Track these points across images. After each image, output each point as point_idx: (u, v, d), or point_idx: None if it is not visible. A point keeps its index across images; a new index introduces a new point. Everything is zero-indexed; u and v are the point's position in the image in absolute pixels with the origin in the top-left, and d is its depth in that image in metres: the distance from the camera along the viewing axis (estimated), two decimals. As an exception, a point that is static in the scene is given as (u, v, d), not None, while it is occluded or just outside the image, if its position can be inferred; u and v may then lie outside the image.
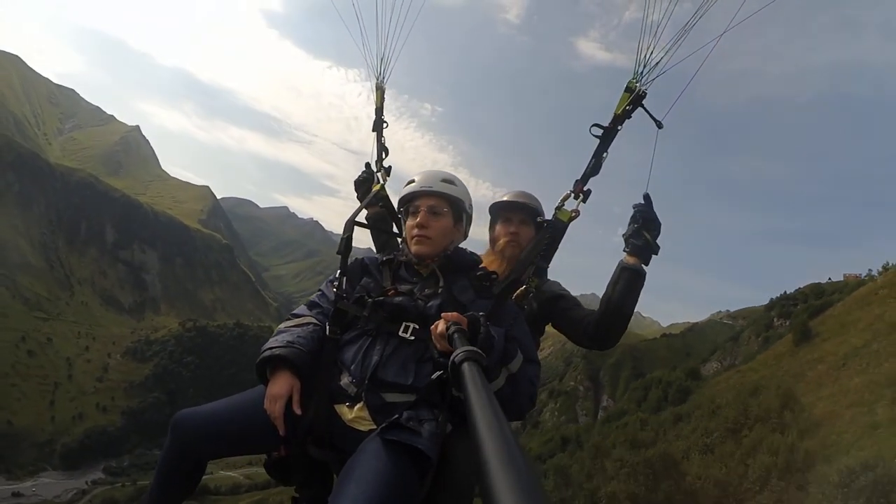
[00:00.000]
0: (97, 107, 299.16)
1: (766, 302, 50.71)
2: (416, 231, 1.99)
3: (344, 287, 1.96)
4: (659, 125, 2.15)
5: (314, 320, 1.95)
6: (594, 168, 2.22)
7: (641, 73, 2.11)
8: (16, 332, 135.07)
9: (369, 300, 1.88)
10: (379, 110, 2.87)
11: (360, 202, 2.55)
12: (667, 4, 2.01)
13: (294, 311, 2.07)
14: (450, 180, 2.07)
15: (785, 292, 47.08)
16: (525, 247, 2.39)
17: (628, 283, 2.13)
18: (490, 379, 1.59)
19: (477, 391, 0.89)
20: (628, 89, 2.14)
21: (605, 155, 2.21)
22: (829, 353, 18.05)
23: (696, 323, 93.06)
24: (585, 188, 2.21)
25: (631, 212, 2.16)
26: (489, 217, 2.66)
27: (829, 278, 46.53)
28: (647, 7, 2.01)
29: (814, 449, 10.07)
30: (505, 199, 2.63)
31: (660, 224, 2.14)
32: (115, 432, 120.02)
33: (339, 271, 2.05)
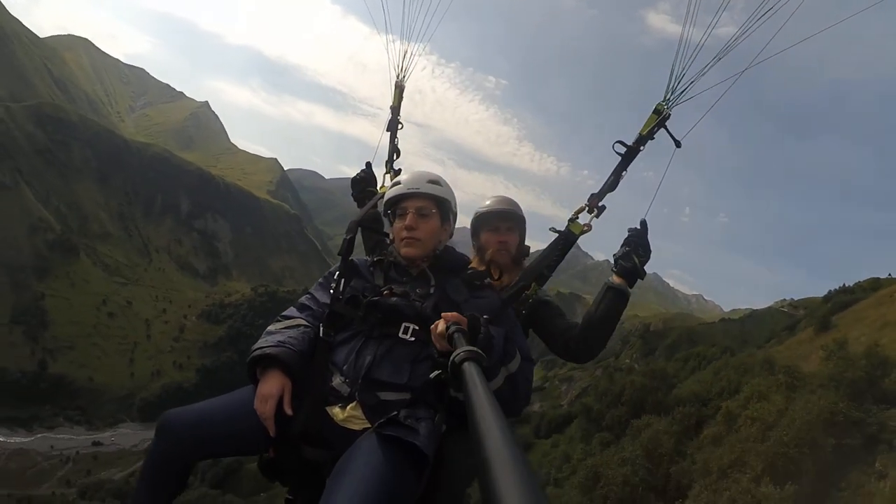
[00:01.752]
0: (167, 84, 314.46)
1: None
2: (404, 233, 2.00)
3: (341, 289, 1.97)
4: (678, 144, 2.23)
5: (304, 322, 1.94)
6: (612, 185, 2.27)
7: (671, 98, 2.19)
8: (97, 296, 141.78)
9: (364, 300, 1.89)
10: (395, 109, 2.85)
11: (356, 200, 2.73)
12: (703, 32, 2.08)
13: (283, 314, 2.05)
14: (436, 181, 2.09)
15: (844, 284, 47.36)
16: (513, 254, 2.49)
17: (611, 302, 2.22)
18: (489, 378, 1.56)
19: (477, 391, 0.89)
20: (657, 111, 2.20)
21: (624, 173, 2.27)
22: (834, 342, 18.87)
23: (756, 310, 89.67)
24: (600, 203, 2.28)
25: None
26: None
27: (889, 273, 44.94)
28: (683, 33, 2.08)
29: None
30: (490, 206, 2.61)
31: (650, 251, 2.25)
32: (190, 388, 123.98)
33: (336, 272, 2.05)
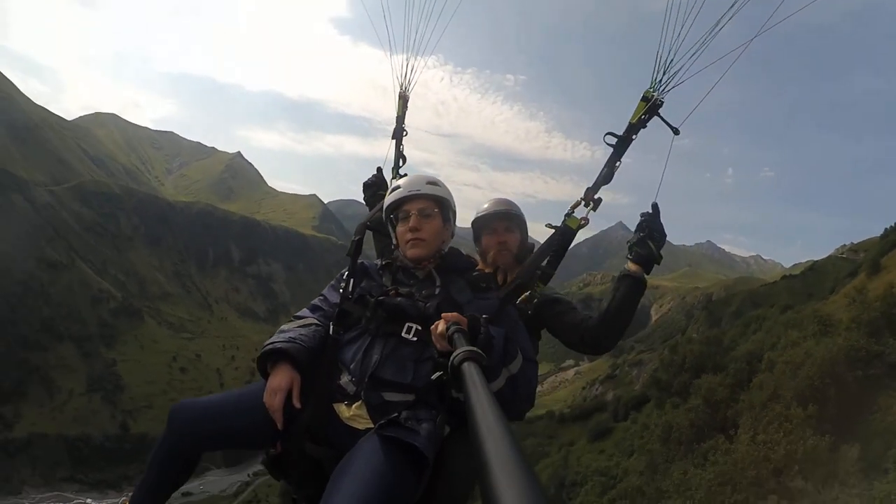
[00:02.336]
0: (197, 142, 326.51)
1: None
2: (409, 235, 2.05)
3: (350, 289, 2.04)
4: (675, 132, 2.20)
5: (316, 321, 2.01)
6: (606, 177, 2.26)
7: (660, 81, 2.15)
8: (167, 354, 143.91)
9: (371, 300, 1.94)
10: (400, 119, 2.96)
11: (368, 204, 2.82)
12: (687, 14, 2.01)
13: (296, 314, 2.13)
14: (434, 182, 2.14)
15: None
16: (515, 253, 2.55)
17: (628, 290, 2.22)
18: (490, 379, 1.61)
19: (477, 391, 0.88)
20: (645, 98, 2.18)
21: (618, 164, 2.26)
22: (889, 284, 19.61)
23: (817, 261, 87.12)
24: (596, 196, 2.27)
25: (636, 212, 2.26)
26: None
27: None
28: (667, 15, 2.02)
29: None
30: (486, 209, 2.66)
31: (664, 235, 2.24)
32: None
33: (345, 272, 2.12)
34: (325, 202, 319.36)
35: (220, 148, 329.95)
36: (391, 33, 2.79)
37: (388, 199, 2.14)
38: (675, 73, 2.08)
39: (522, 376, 1.82)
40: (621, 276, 2.24)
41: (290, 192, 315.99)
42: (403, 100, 2.97)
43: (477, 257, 2.57)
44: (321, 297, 2.16)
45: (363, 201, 2.89)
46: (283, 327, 1.99)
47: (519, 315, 2.14)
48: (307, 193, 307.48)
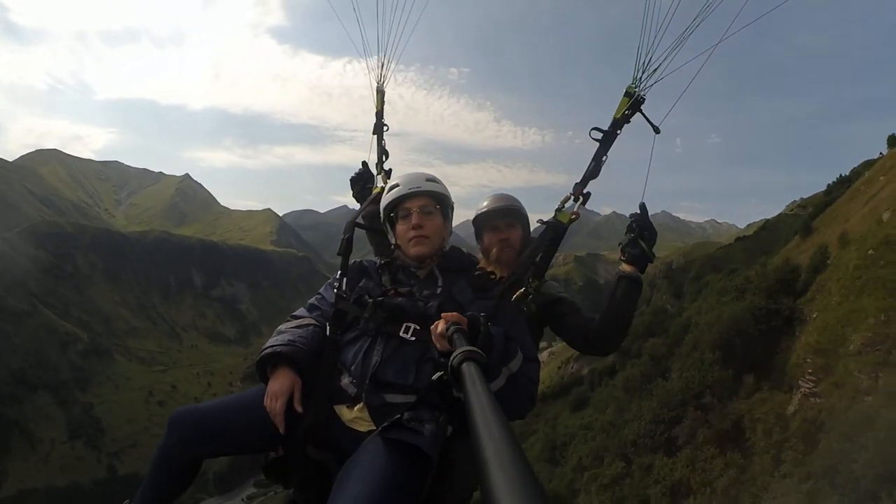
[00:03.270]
0: (144, 168, 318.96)
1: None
2: (412, 233, 2.03)
3: (344, 288, 2.02)
4: (656, 130, 2.23)
5: (314, 321, 2.00)
6: (594, 171, 2.28)
7: (640, 77, 2.16)
8: (142, 390, 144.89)
9: (369, 301, 1.93)
10: (379, 114, 2.88)
11: (357, 200, 2.80)
12: (667, 8, 2.03)
13: (293, 313, 2.11)
14: (433, 179, 2.13)
15: (841, 175, 47.05)
16: (518, 249, 2.53)
17: (626, 291, 2.26)
18: (490, 379, 1.60)
19: (477, 391, 0.88)
20: (627, 94, 2.19)
21: (604, 158, 2.27)
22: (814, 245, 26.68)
23: (770, 219, 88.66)
24: (585, 191, 2.29)
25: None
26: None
27: (881, 153, 42.28)
28: (646, 10, 2.04)
29: None
30: (486, 206, 2.65)
31: (655, 233, 2.29)
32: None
33: (339, 272, 2.10)
34: (281, 215, 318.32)
35: (167, 172, 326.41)
36: (362, 25, 2.68)
37: (387, 197, 2.12)
38: (655, 70, 2.12)
39: (523, 375, 1.81)
40: (618, 278, 2.29)
41: (245, 209, 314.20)
42: (380, 94, 2.90)
43: (479, 255, 2.58)
44: (319, 296, 2.17)
45: (353, 197, 2.84)
46: (280, 328, 1.99)
47: (519, 313, 2.14)
48: (262, 209, 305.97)
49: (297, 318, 2.06)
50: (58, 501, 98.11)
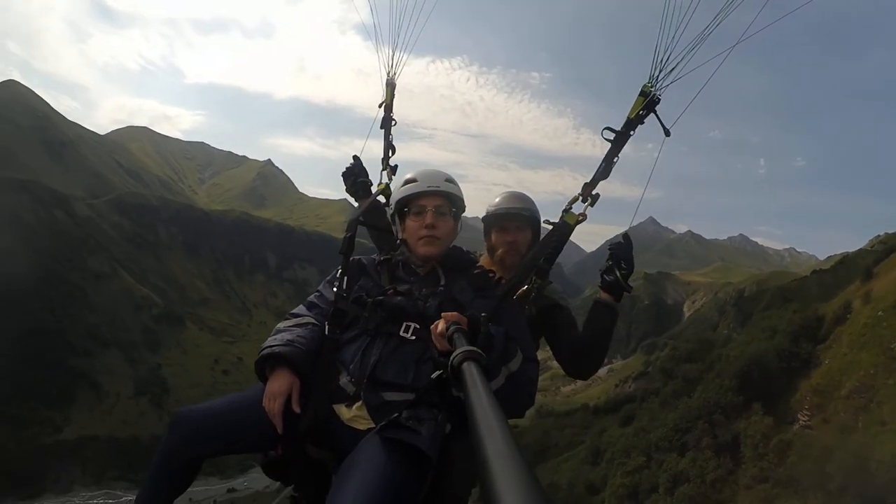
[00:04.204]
0: (228, 151, 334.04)
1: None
2: (424, 231, 2.02)
3: (344, 287, 2.02)
4: (667, 133, 2.20)
5: (313, 320, 2.01)
6: (604, 172, 2.27)
7: (657, 77, 2.14)
8: (209, 358, 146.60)
9: (368, 300, 1.94)
10: (388, 107, 2.87)
11: (350, 194, 2.89)
12: (685, 9, 2.00)
13: (293, 311, 2.13)
14: (451, 180, 2.12)
15: None
16: (524, 253, 2.49)
17: (600, 317, 2.28)
18: (490, 378, 1.60)
19: (477, 391, 0.89)
20: (643, 93, 2.17)
21: (616, 159, 2.27)
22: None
23: (848, 254, 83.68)
24: (594, 192, 2.28)
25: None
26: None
27: None
28: (664, 11, 2.01)
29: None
30: (498, 205, 2.64)
31: (632, 264, 2.30)
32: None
33: (339, 270, 2.09)
34: (356, 206, 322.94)
35: (250, 156, 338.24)
36: (377, 17, 2.69)
37: (403, 190, 2.09)
38: (671, 70, 2.06)
39: (522, 375, 1.80)
40: (593, 304, 2.29)
41: (322, 197, 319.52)
42: (391, 87, 2.85)
43: (484, 251, 2.61)
44: (317, 294, 2.13)
45: (346, 192, 2.86)
46: (279, 326, 1.97)
47: (520, 313, 2.11)
48: (338, 198, 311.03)
49: (296, 315, 2.07)
50: (115, 450, 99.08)
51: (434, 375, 1.60)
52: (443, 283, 2.00)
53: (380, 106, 2.89)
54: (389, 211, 2.23)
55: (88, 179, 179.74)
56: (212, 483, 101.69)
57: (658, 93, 2.12)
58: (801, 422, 21.20)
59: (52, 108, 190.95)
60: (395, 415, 1.65)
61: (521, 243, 2.53)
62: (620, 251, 2.26)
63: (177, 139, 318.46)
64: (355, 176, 2.86)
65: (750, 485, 20.06)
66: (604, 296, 2.29)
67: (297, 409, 1.76)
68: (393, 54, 2.81)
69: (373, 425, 1.72)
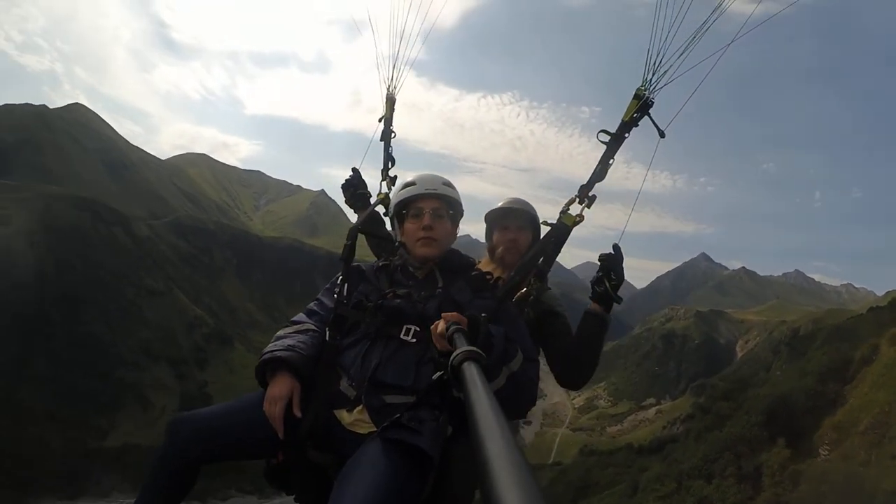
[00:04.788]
0: (283, 180, 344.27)
1: None
2: (422, 233, 2.07)
3: (345, 293, 2.07)
4: (661, 134, 2.23)
5: (313, 326, 2.05)
6: (600, 174, 2.30)
7: (650, 80, 2.17)
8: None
9: (368, 304, 1.97)
10: (388, 121, 2.98)
11: (349, 205, 2.97)
12: (678, 11, 2.02)
13: (293, 319, 2.18)
14: (449, 183, 2.17)
15: None
16: (524, 252, 2.54)
17: (590, 328, 2.30)
18: (490, 378, 1.58)
19: (477, 391, 0.89)
20: (637, 96, 2.20)
21: (611, 162, 2.29)
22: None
23: None
24: (591, 193, 2.31)
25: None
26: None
27: None
28: (656, 13, 2.04)
29: None
30: (500, 206, 2.73)
31: (622, 275, 2.28)
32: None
33: (339, 277, 2.15)
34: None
35: (305, 186, 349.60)
36: (375, 31, 2.79)
37: (401, 193, 2.13)
38: (665, 73, 2.08)
39: (523, 375, 1.81)
40: (584, 315, 2.31)
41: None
42: (390, 101, 2.95)
43: (485, 253, 2.71)
44: (317, 302, 2.16)
45: (345, 203, 2.96)
46: (280, 333, 2.00)
47: (520, 314, 2.14)
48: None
49: (296, 322, 2.09)
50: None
51: (435, 376, 1.62)
52: (440, 284, 2.01)
53: (379, 120, 2.96)
54: (389, 215, 2.31)
55: (148, 201, 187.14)
56: (249, 502, 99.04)
57: (651, 96, 2.14)
58: (821, 456, 22.71)
59: (116, 132, 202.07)
60: (397, 416, 1.65)
61: (522, 242, 2.57)
62: (611, 262, 2.25)
63: (234, 167, 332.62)
64: (354, 188, 2.91)
65: None
66: (594, 306, 2.30)
67: (297, 413, 1.75)
68: (393, 70, 2.87)
69: (374, 429, 1.71)
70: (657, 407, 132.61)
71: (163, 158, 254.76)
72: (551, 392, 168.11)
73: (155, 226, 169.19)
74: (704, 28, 2.00)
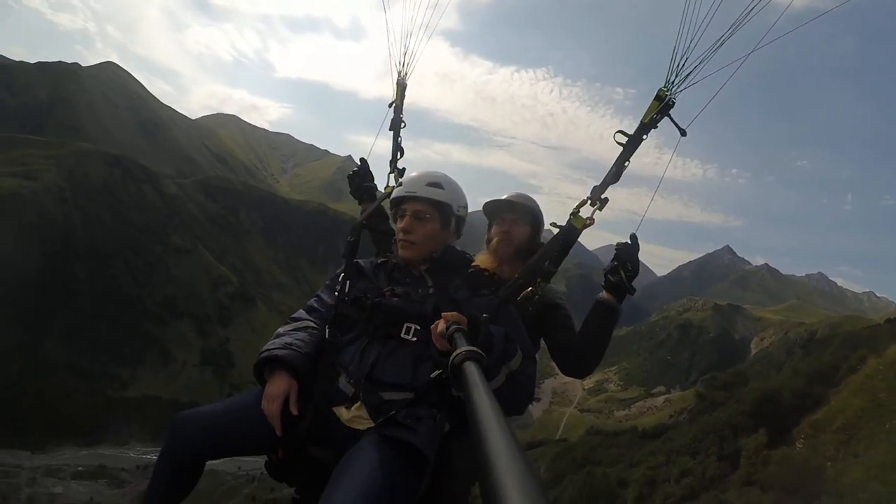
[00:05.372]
0: (311, 144, 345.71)
1: None
2: (401, 235, 2.08)
3: (346, 290, 2.05)
4: (682, 133, 2.18)
5: (312, 323, 2.04)
6: (614, 176, 2.23)
7: (673, 81, 2.14)
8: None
9: (367, 302, 1.96)
10: (398, 108, 2.86)
11: (354, 197, 2.89)
12: (705, 14, 1.99)
13: (293, 316, 2.18)
14: (436, 183, 2.10)
15: None
16: (517, 244, 2.56)
17: (601, 317, 2.28)
18: (490, 378, 1.62)
19: (477, 391, 0.90)
20: (658, 98, 2.16)
21: (626, 164, 2.22)
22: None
23: None
24: (603, 196, 2.23)
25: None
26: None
27: None
28: (683, 15, 2.01)
29: None
30: (498, 199, 2.71)
31: (638, 267, 2.27)
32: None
33: (340, 274, 2.14)
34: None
35: (332, 151, 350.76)
36: (388, 11, 2.69)
37: (394, 193, 2.15)
38: (688, 75, 2.05)
39: (522, 374, 1.81)
40: (595, 304, 2.28)
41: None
42: (401, 87, 2.82)
43: (484, 245, 2.66)
44: (317, 298, 2.17)
45: (350, 194, 2.88)
46: (279, 331, 2.00)
47: (519, 313, 2.12)
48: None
49: (296, 319, 2.10)
50: (174, 413, 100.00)
51: (434, 375, 1.61)
52: (430, 283, 2.00)
53: (390, 105, 2.83)
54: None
55: (177, 160, 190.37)
56: (261, 455, 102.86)
57: (673, 97, 2.11)
58: (796, 448, 25.42)
59: (147, 91, 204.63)
60: (393, 413, 1.67)
61: (516, 234, 2.54)
62: (627, 252, 2.24)
63: (263, 129, 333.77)
64: (361, 179, 2.84)
65: (739, 485, 24.68)
66: (606, 296, 2.27)
67: (294, 412, 1.77)
68: (403, 53, 2.75)
69: (372, 425, 1.73)
70: (666, 396, 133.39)
71: (193, 118, 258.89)
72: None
73: (183, 184, 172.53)
74: (732, 31, 1.95)
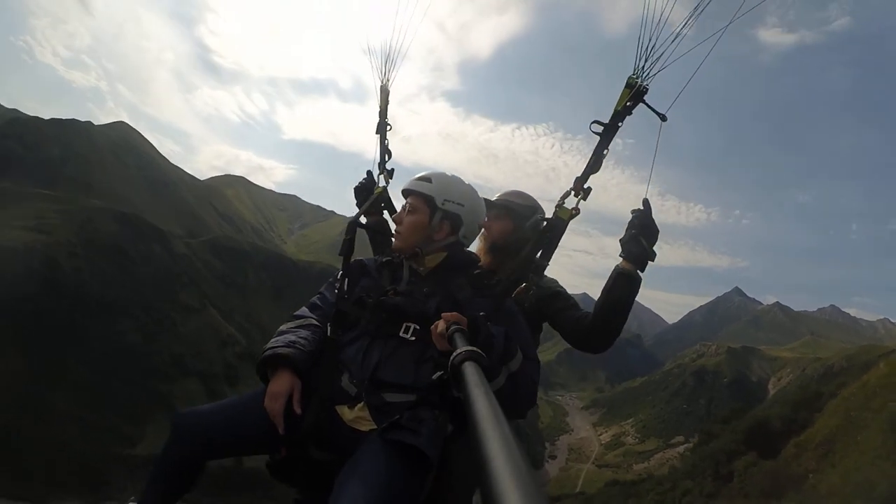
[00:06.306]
0: (317, 205, 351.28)
1: None
2: (393, 226, 2.16)
3: (345, 288, 2.06)
4: (662, 118, 2.19)
5: (315, 321, 2.05)
6: (594, 165, 2.28)
7: (643, 67, 2.13)
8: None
9: (369, 301, 1.97)
10: (382, 113, 2.97)
11: (359, 207, 2.86)
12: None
13: (295, 313, 2.18)
14: (427, 178, 2.12)
15: None
16: (494, 238, 2.60)
17: (622, 288, 2.22)
18: (490, 378, 1.59)
19: (477, 391, 0.90)
20: (629, 85, 2.17)
21: (605, 152, 2.27)
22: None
23: None
24: (586, 186, 2.27)
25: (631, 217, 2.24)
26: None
27: None
28: (646, 1, 2.03)
29: None
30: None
31: (657, 231, 2.21)
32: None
33: (340, 272, 2.16)
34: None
35: (338, 212, 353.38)
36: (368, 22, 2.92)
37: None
38: (658, 58, 2.04)
39: (522, 374, 1.82)
40: (616, 275, 2.19)
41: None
42: (385, 92, 2.94)
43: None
44: (320, 296, 2.19)
45: (356, 207, 2.87)
46: (282, 328, 2.01)
47: (519, 309, 2.12)
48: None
49: (298, 317, 2.10)
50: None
51: (435, 376, 1.64)
52: (433, 283, 2.00)
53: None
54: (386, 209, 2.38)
55: (186, 219, 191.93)
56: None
57: (644, 83, 2.09)
58: (781, 463, 27.71)
59: (157, 150, 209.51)
60: (396, 416, 1.66)
61: (493, 229, 2.57)
62: (643, 218, 2.17)
63: (270, 190, 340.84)
64: (367, 192, 2.85)
65: (730, 497, 26.95)
66: (626, 265, 2.17)
67: (298, 410, 1.76)
68: (384, 58, 2.88)
69: (375, 426, 1.73)
70: (685, 445, 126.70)
71: (201, 179, 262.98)
72: (577, 427, 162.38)
73: (192, 244, 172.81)
74: (693, 18, 1.94)
